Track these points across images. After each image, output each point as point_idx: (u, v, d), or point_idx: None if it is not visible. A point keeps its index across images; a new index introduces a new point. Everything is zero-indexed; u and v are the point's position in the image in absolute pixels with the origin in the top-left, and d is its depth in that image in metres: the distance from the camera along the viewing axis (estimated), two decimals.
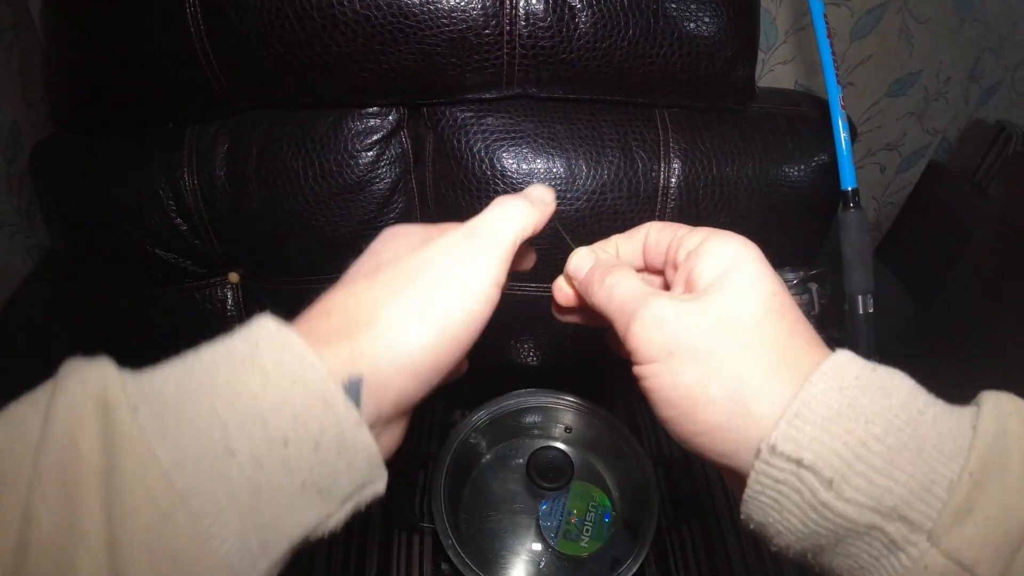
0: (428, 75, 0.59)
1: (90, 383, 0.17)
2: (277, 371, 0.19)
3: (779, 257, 0.71)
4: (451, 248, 0.24)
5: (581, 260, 0.29)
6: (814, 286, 0.61)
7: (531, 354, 0.74)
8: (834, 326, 0.60)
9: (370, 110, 0.64)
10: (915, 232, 1.20)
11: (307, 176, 0.65)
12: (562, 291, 0.31)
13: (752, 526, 0.21)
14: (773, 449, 0.19)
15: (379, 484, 0.21)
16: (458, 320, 0.23)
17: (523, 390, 0.70)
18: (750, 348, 0.21)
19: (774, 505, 0.20)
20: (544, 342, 0.72)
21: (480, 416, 0.67)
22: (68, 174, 0.68)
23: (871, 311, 0.57)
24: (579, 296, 0.30)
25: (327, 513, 0.20)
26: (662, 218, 0.66)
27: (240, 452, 0.18)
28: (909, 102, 1.09)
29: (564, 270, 0.30)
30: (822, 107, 0.73)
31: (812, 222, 0.72)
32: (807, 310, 0.61)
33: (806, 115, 0.72)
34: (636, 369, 0.23)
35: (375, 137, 0.65)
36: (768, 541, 0.21)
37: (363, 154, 0.64)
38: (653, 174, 0.64)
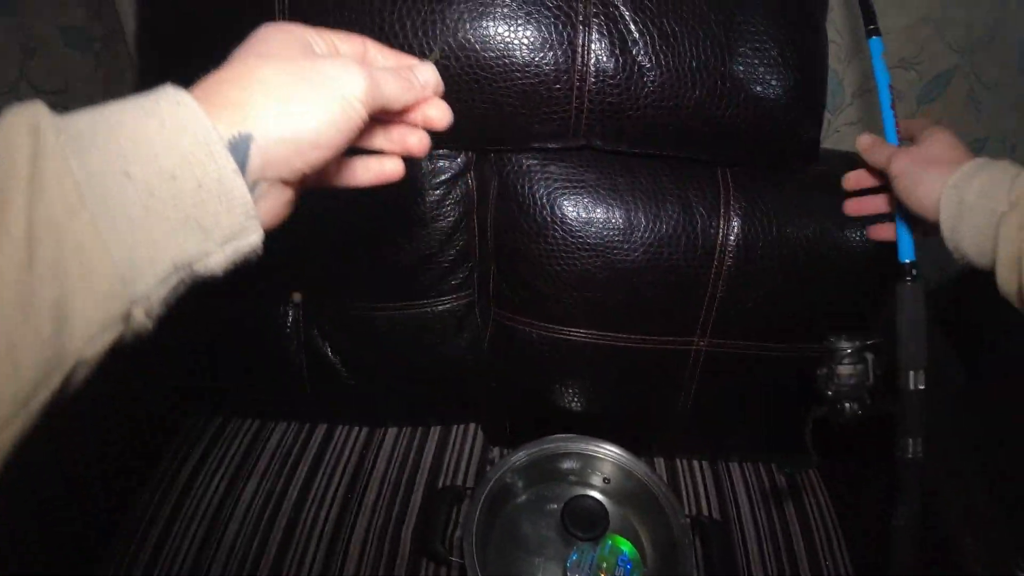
0: (498, 123, 0.62)
1: (26, 115, 0.21)
2: (172, 121, 0.23)
3: (834, 321, 0.70)
4: (329, 69, 0.28)
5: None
6: (870, 356, 0.59)
7: (575, 400, 0.74)
8: (888, 397, 0.58)
9: (440, 151, 0.68)
10: (972, 300, 1.15)
11: (378, 206, 0.68)
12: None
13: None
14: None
15: (254, 237, 0.25)
16: (332, 116, 0.27)
17: (564, 435, 0.70)
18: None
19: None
20: (589, 389, 0.73)
21: (519, 456, 0.68)
22: None
23: (922, 387, 0.56)
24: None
25: (206, 250, 0.24)
26: (718, 277, 0.66)
27: (135, 177, 0.22)
28: None
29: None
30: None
31: (870, 289, 0.70)
32: (861, 379, 0.59)
33: None
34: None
35: (444, 177, 0.68)
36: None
37: (431, 192, 0.68)
38: (712, 230, 0.65)
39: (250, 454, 0.81)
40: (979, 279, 1.17)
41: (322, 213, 0.69)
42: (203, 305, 0.75)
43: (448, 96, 0.60)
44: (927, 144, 0.50)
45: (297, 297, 0.77)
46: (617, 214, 0.64)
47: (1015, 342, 0.87)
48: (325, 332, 0.77)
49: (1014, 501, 0.65)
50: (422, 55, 0.59)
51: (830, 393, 0.58)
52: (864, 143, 0.55)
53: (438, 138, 0.65)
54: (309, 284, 0.76)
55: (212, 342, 0.79)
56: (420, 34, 0.59)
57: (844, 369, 0.58)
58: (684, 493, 0.79)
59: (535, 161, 0.65)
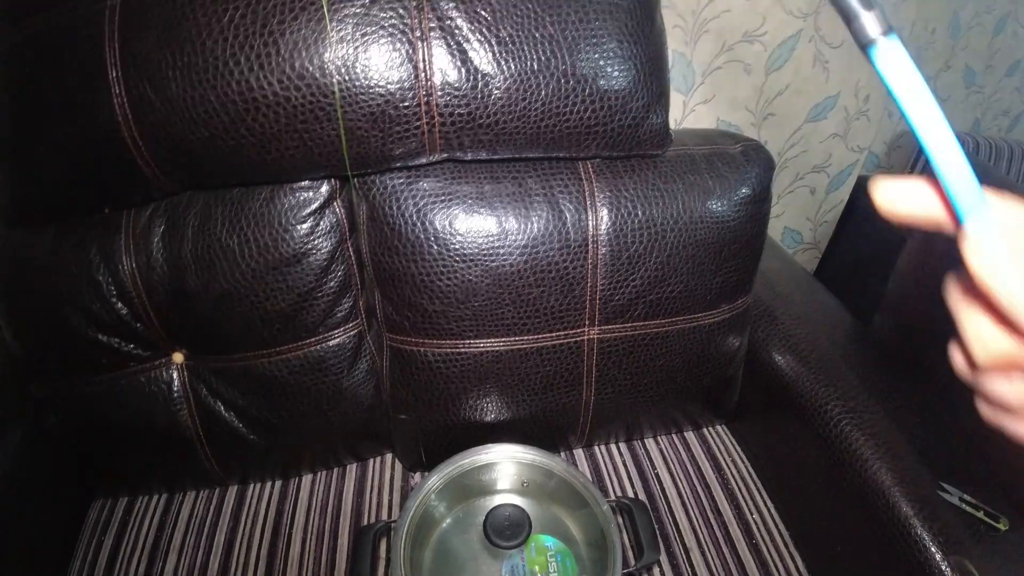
0: (353, 149, 0.61)
1: None
2: None
3: (716, 291, 0.74)
4: None
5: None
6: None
7: (484, 411, 0.74)
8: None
9: (302, 183, 0.65)
10: (853, 248, 1.25)
11: (243, 253, 0.65)
12: None
13: None
14: None
15: None
16: None
17: (475, 448, 0.70)
18: None
19: None
20: (494, 398, 0.73)
21: (434, 481, 0.67)
22: (7, 267, 0.67)
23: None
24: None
25: None
26: (595, 268, 0.68)
27: None
28: (831, 124, 1.15)
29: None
30: (739, 140, 0.77)
31: (742, 255, 0.75)
32: None
33: (724, 152, 0.75)
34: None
35: (308, 210, 0.66)
36: None
37: (297, 227, 0.65)
38: (582, 224, 0.66)
39: (163, 530, 0.75)
40: (856, 227, 1.25)
41: (188, 266, 0.66)
42: (85, 382, 0.70)
43: (295, 126, 0.59)
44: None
45: (179, 358, 0.73)
46: (489, 221, 0.64)
47: (895, 283, 0.95)
48: (214, 390, 0.72)
49: (921, 431, 0.71)
50: (260, 90, 0.57)
51: None
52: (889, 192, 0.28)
53: (294, 171, 0.65)
54: (188, 343, 0.72)
55: (95, 421, 0.73)
56: (256, 68, 0.57)
57: None
58: (607, 478, 0.80)
59: (400, 180, 0.64)
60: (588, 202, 0.67)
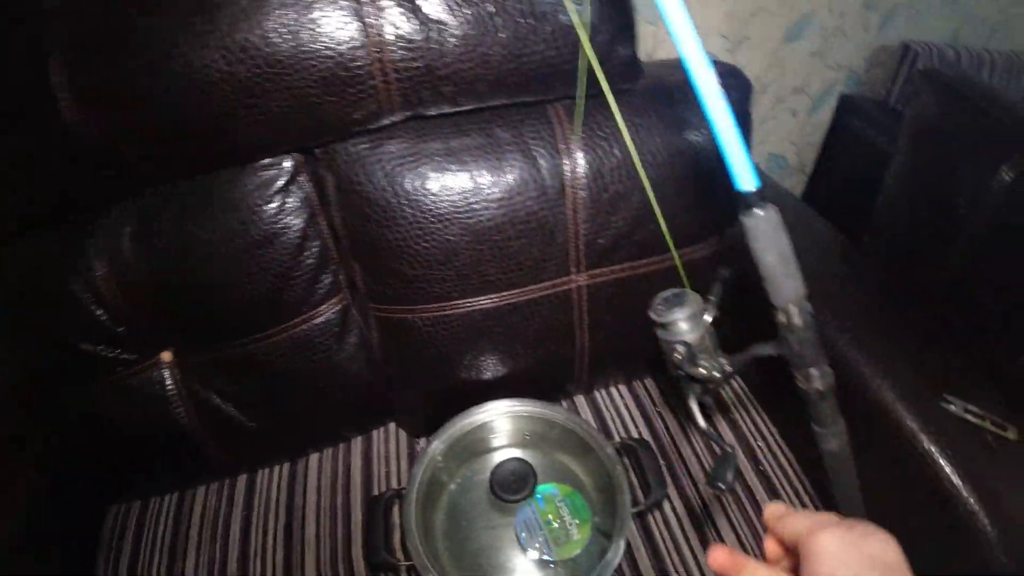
0: (309, 118, 0.57)
1: None
2: None
3: (703, 224, 0.71)
4: None
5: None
6: (707, 313, 0.53)
7: (480, 370, 0.72)
8: (767, 342, 0.52)
9: (264, 162, 0.62)
10: (839, 169, 1.22)
11: (214, 241, 0.63)
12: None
13: None
14: None
15: None
16: None
17: (476, 407, 0.69)
18: None
19: None
20: (489, 356, 0.71)
21: (436, 445, 0.66)
22: None
23: (811, 313, 0.49)
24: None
25: None
26: (576, 212, 0.65)
27: None
28: (808, 43, 1.10)
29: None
30: (716, 65, 0.73)
31: (727, 185, 0.72)
32: (713, 339, 0.53)
33: None
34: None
35: (274, 188, 0.63)
36: None
37: (265, 207, 0.63)
38: (557, 169, 0.63)
39: (179, 528, 0.75)
40: (841, 147, 1.21)
41: (161, 262, 0.63)
42: (73, 391, 0.69)
43: (246, 101, 0.56)
44: (865, 535, 0.32)
45: (167, 356, 0.71)
46: (461, 177, 0.61)
47: (884, 200, 0.92)
48: (208, 383, 0.71)
49: (918, 346, 0.70)
50: (203, 68, 0.54)
51: (701, 371, 0.52)
52: (776, 512, 0.38)
53: (254, 149, 0.61)
54: (174, 340, 0.70)
55: (96, 430, 0.72)
56: (198, 46, 0.53)
57: (694, 336, 0.51)
58: (611, 422, 0.80)
59: (365, 145, 0.61)
60: (561, 146, 0.64)
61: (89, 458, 0.73)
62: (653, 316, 0.53)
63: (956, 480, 0.57)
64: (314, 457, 0.79)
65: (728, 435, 0.79)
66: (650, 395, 0.83)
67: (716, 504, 0.71)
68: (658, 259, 0.71)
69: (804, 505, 0.73)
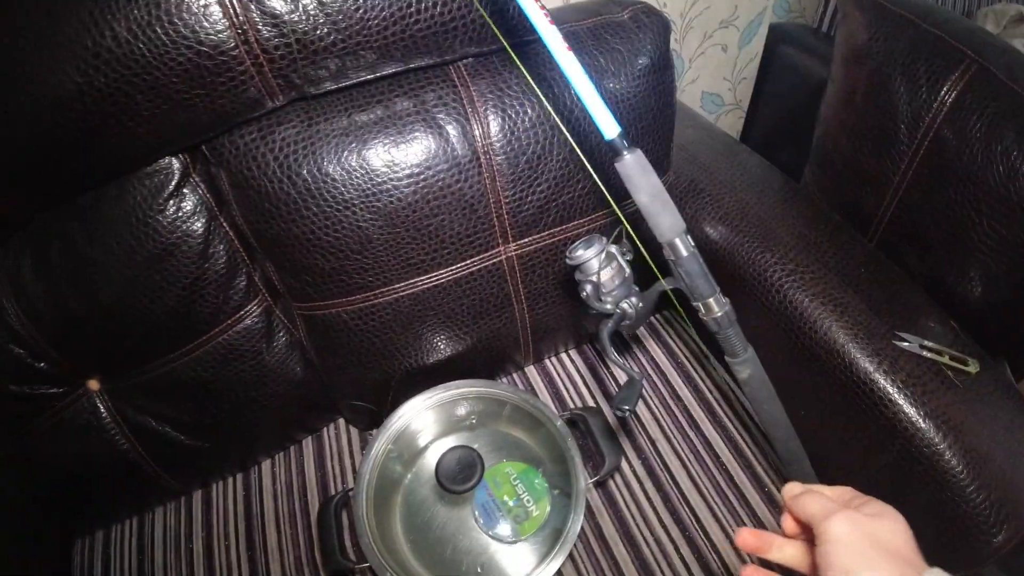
0: (183, 115, 0.52)
1: None
2: None
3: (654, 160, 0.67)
4: None
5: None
6: (614, 248, 0.56)
7: (421, 356, 0.69)
8: (667, 277, 0.55)
9: (148, 169, 0.57)
10: (776, 102, 1.18)
11: (112, 261, 0.58)
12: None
13: None
14: None
15: None
16: None
17: (417, 396, 0.66)
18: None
19: None
20: (427, 340, 0.68)
21: (380, 442, 0.63)
22: None
23: (693, 248, 0.52)
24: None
25: None
26: (493, 180, 0.61)
27: None
28: None
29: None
30: (626, 6, 0.68)
31: (653, 131, 0.68)
32: (622, 275, 0.56)
33: (610, 22, 0.66)
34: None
35: (165, 193, 0.57)
36: None
37: (158, 217, 0.57)
38: (467, 136, 0.59)
39: (143, 553, 0.72)
40: (776, 78, 1.15)
41: (63, 291, 0.58)
42: (9, 434, 0.64)
43: (108, 109, 0.50)
44: (876, 518, 0.35)
45: (95, 385, 0.66)
46: (363, 157, 0.57)
47: (821, 130, 0.88)
48: (141, 407, 0.67)
49: (867, 282, 0.67)
50: (54, 86, 0.48)
51: (608, 306, 0.54)
52: (792, 491, 0.40)
53: (130, 157, 0.56)
54: (96, 367, 0.65)
55: (40, 468, 0.67)
56: (40, 62, 0.48)
57: (603, 276, 0.54)
58: (564, 389, 0.77)
59: (252, 135, 0.56)
60: (469, 110, 0.59)
61: (43, 495, 0.69)
62: (567, 260, 0.55)
63: (917, 419, 0.55)
64: (266, 464, 0.76)
65: (684, 388, 0.77)
66: (600, 357, 0.80)
67: (676, 461, 0.70)
68: (589, 219, 0.67)
69: (757, 444, 0.71)
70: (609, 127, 0.48)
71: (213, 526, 0.72)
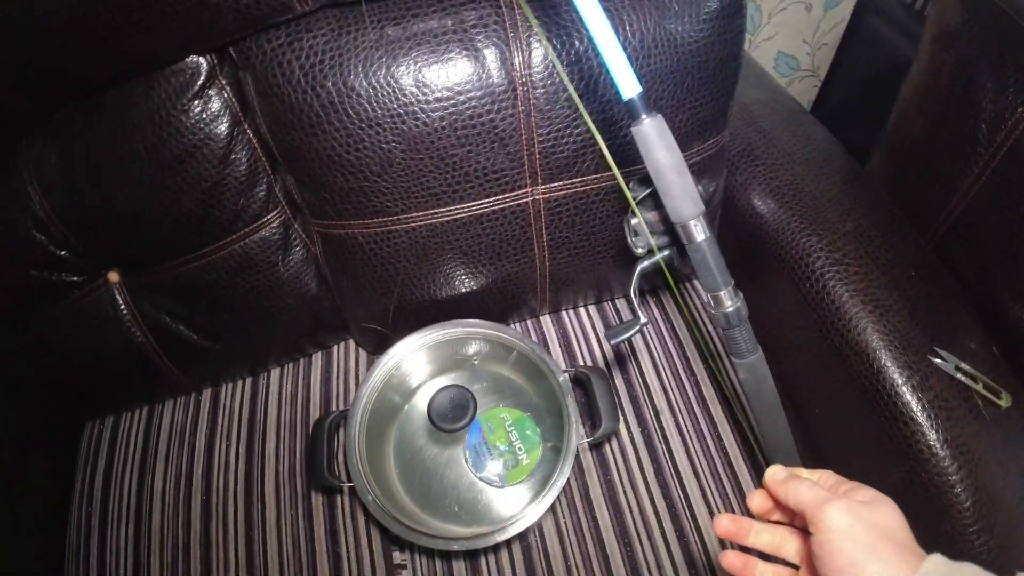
0: (205, 15, 0.48)
1: None
2: None
3: (683, 130, 0.61)
4: None
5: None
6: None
7: (434, 290, 0.66)
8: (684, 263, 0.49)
9: (176, 66, 0.54)
10: (856, 76, 1.06)
11: (134, 159, 0.56)
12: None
13: None
14: None
15: None
16: None
17: (426, 328, 0.64)
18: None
19: None
20: (443, 275, 0.65)
21: (381, 369, 0.61)
22: None
23: (706, 236, 0.45)
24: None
25: None
26: (528, 116, 0.55)
27: None
28: None
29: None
30: None
31: (713, 84, 0.61)
32: (669, 223, 0.50)
33: None
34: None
35: (189, 93, 0.55)
36: None
37: (181, 117, 0.55)
38: (505, 63, 0.54)
39: (148, 442, 0.74)
40: (859, 50, 1.03)
41: (85, 187, 0.58)
42: (28, 318, 0.66)
43: (123, 11, 0.47)
44: (872, 506, 0.33)
45: (114, 277, 0.67)
46: (392, 76, 0.52)
47: (899, 114, 0.79)
48: (157, 304, 0.67)
49: (916, 287, 0.60)
50: None
51: (641, 249, 0.50)
52: (776, 476, 0.37)
53: (154, 57, 0.53)
54: (118, 261, 0.65)
55: (56, 353, 0.69)
56: None
57: (653, 215, 0.49)
58: (576, 343, 0.74)
59: (280, 40, 0.52)
60: (511, 35, 0.53)
61: (57, 380, 0.72)
62: (631, 191, 0.51)
63: (935, 444, 0.50)
64: (275, 372, 0.77)
65: (699, 364, 0.73)
66: (620, 318, 0.76)
67: (677, 436, 0.66)
68: (628, 169, 0.61)
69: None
70: (629, 85, 0.42)
71: (218, 424, 0.74)
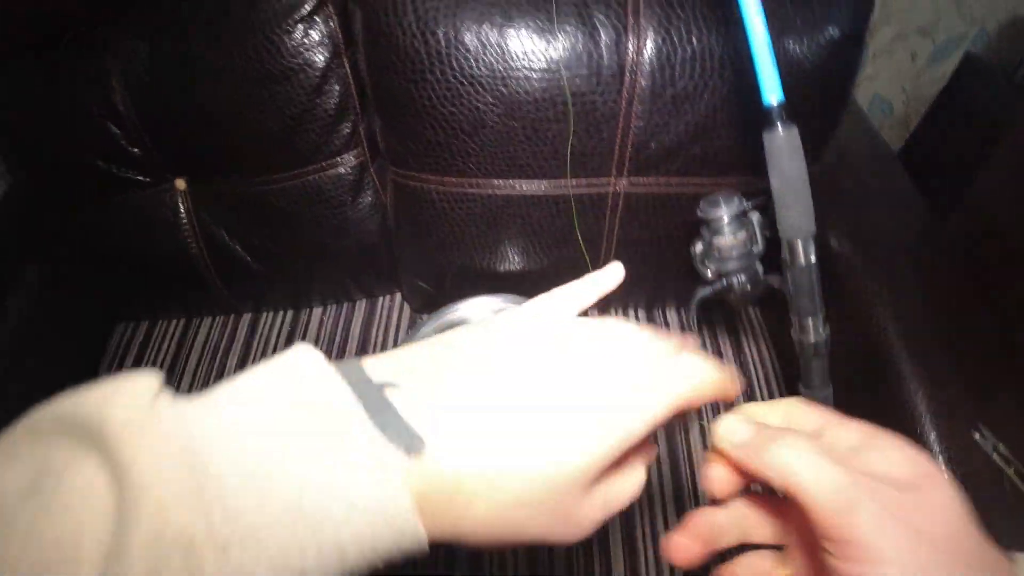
0: None
1: (172, 519, 0.15)
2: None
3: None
4: None
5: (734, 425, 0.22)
6: (755, 217, 0.47)
7: (492, 259, 0.64)
8: (775, 273, 0.46)
9: None
10: (946, 133, 1.01)
11: (226, 67, 0.55)
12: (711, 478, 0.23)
13: None
14: None
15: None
16: None
17: (477, 298, 0.62)
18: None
19: None
20: (505, 246, 0.63)
21: (426, 330, 0.60)
22: (7, 100, 0.60)
23: (813, 260, 0.43)
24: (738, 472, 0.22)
25: None
26: (630, 104, 0.53)
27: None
28: None
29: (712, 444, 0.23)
30: None
31: (818, 112, 0.58)
32: (747, 248, 0.47)
33: None
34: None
35: (297, 16, 0.53)
36: None
37: (284, 37, 0.53)
38: (620, 47, 0.51)
39: (180, 353, 0.74)
40: (953, 110, 0.98)
41: (170, 85, 0.56)
42: (86, 209, 0.66)
43: None
44: (916, 497, 0.20)
45: (181, 184, 0.66)
46: (504, 36, 0.50)
47: (986, 181, 0.75)
48: (218, 217, 0.66)
49: (972, 357, 0.57)
50: None
51: (711, 270, 0.47)
52: (735, 436, 0.22)
53: None
54: (188, 169, 0.64)
55: (106, 248, 0.69)
56: None
57: (724, 240, 0.46)
58: None
59: None
60: (631, 20, 0.51)
61: (98, 272, 0.71)
62: (698, 211, 0.48)
63: None
64: (317, 310, 0.76)
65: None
66: (667, 326, 0.74)
67: (703, 456, 0.64)
68: (712, 181, 0.59)
69: None
70: (773, 91, 0.39)
71: (252, 348, 0.73)
